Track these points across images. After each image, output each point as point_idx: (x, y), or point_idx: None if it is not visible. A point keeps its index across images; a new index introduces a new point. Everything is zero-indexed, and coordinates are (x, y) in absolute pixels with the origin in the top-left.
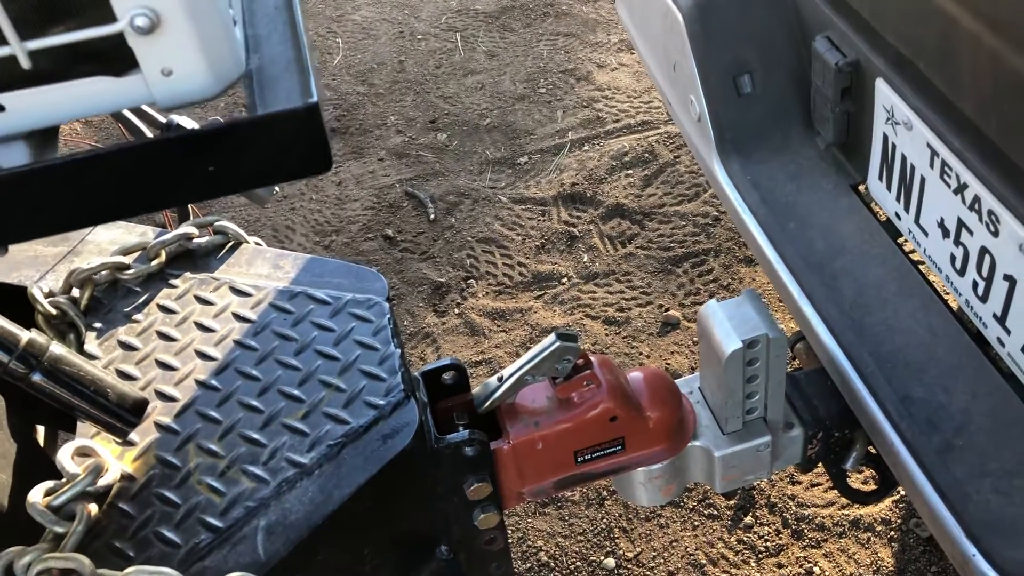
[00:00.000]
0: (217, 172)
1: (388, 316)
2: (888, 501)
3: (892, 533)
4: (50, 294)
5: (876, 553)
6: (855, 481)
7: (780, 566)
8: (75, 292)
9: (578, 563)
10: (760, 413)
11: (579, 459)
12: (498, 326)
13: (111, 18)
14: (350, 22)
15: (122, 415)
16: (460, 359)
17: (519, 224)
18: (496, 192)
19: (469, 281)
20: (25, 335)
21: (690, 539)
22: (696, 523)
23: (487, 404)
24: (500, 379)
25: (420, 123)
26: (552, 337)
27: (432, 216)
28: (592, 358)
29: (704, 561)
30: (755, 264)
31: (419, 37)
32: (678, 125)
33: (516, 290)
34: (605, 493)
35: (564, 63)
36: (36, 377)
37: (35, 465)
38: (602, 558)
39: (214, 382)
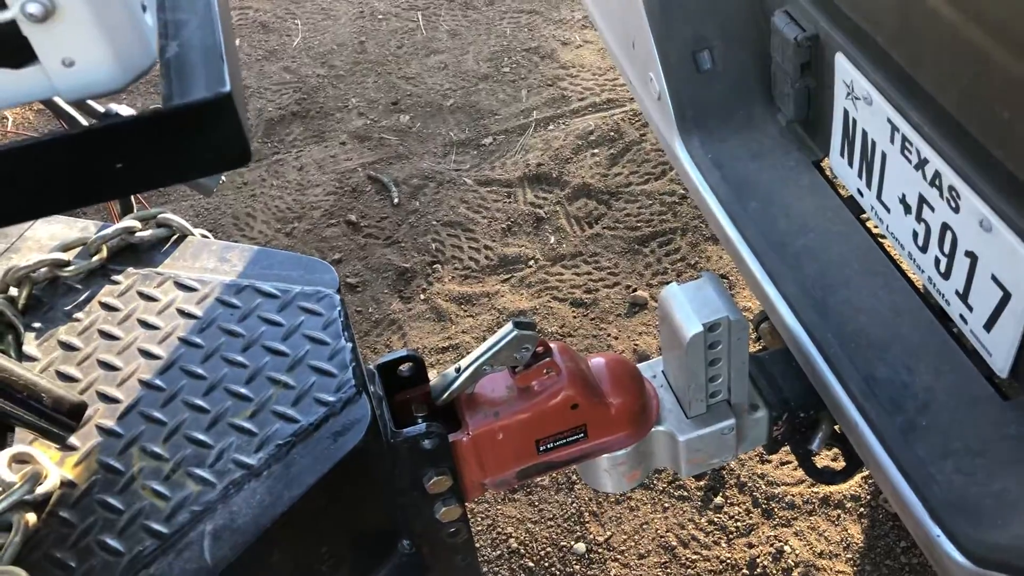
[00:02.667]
0: (126, 169)
1: (339, 309)
2: (858, 477)
3: (861, 509)
4: None
5: (846, 530)
6: (823, 459)
7: (751, 546)
8: (12, 291)
9: (548, 549)
10: (724, 396)
11: (541, 448)
12: (465, 311)
13: (1, 6)
14: (309, 3)
15: (59, 420)
16: (426, 346)
17: (485, 207)
18: (461, 174)
19: (435, 266)
20: None
21: (660, 521)
22: (666, 505)
23: (445, 396)
24: (458, 370)
25: (382, 105)
26: (509, 326)
27: (396, 200)
28: (552, 345)
29: (675, 543)
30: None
31: (380, 17)
32: (639, 103)
33: (483, 274)
34: (575, 478)
35: (528, 41)
36: None
37: None
38: (572, 543)
39: (158, 382)
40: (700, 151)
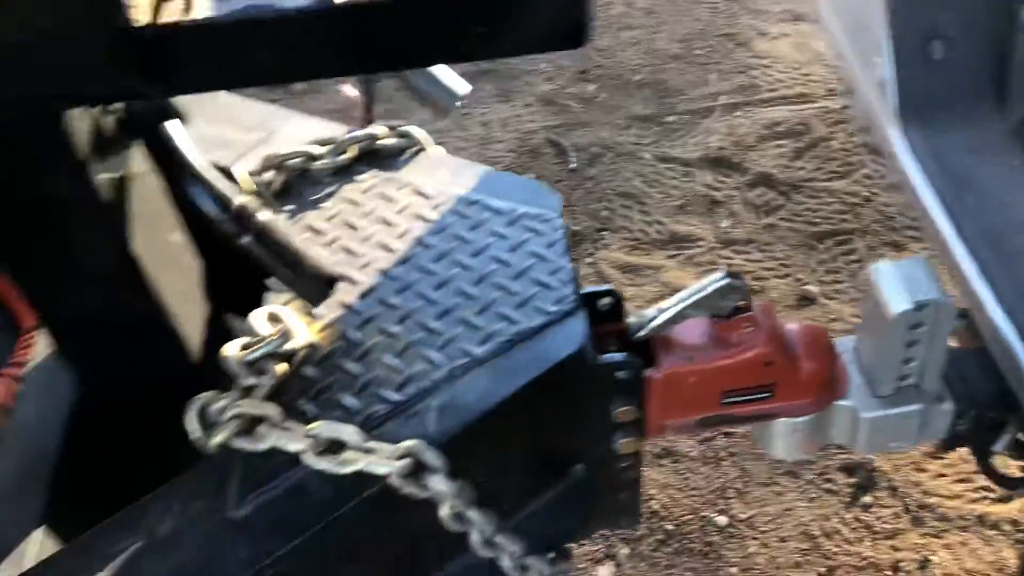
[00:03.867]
0: (486, 33)
1: (561, 231)
2: (1020, 502)
3: (1020, 535)
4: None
5: (1000, 552)
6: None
7: (896, 549)
8: (267, 176)
9: (689, 516)
10: (914, 381)
11: (726, 400)
12: (629, 280)
13: None
14: None
15: (316, 286)
16: None
17: (660, 182)
18: (640, 148)
19: (603, 233)
20: (239, 199)
21: (805, 510)
22: (813, 495)
23: (644, 331)
24: (660, 309)
25: (570, 72)
26: (721, 273)
27: (573, 165)
28: (754, 301)
29: (818, 532)
30: (903, 248)
31: None
32: (853, 86)
33: (651, 247)
34: (723, 454)
35: (724, 27)
36: (245, 239)
37: (222, 329)
38: (714, 515)
39: (395, 272)
40: (918, 140)
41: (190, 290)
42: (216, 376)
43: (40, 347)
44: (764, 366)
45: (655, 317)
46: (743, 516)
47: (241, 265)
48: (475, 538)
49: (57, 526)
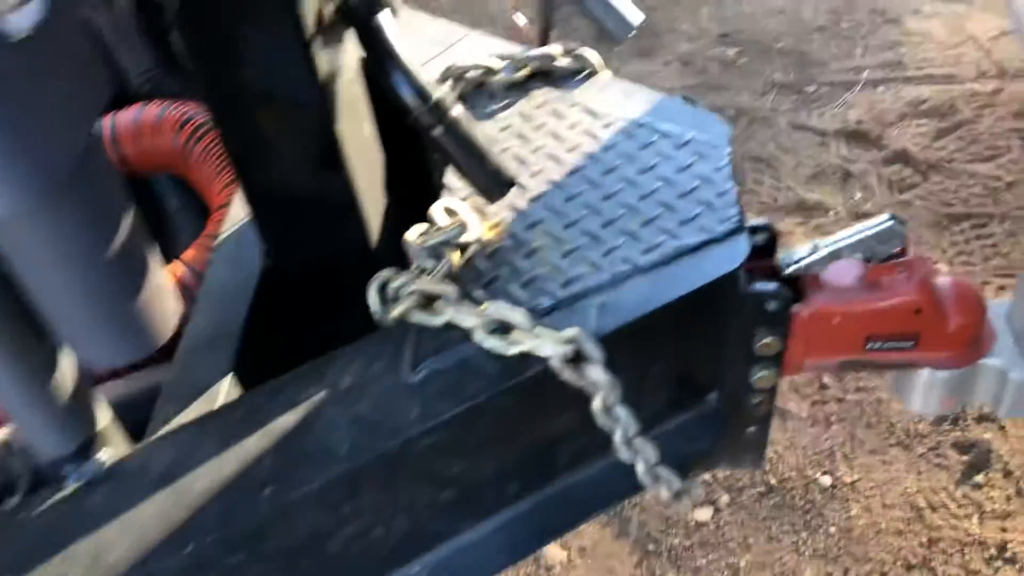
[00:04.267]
0: None
1: (728, 158)
2: None
3: None
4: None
5: None
6: None
7: (1004, 530)
8: (447, 85)
9: (792, 473)
10: None
11: (869, 345)
12: None
13: None
14: None
15: (495, 184)
16: None
17: (794, 150)
18: (776, 115)
19: None
20: (437, 92)
21: (913, 481)
22: (922, 469)
23: (796, 266)
24: (815, 247)
25: (711, 35)
26: (886, 216)
27: None
28: (910, 248)
29: (923, 504)
30: None
31: None
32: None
33: (779, 212)
34: (833, 418)
35: (874, 2)
36: (437, 131)
37: (398, 219)
38: (819, 475)
39: (563, 182)
40: None
41: (375, 180)
42: (391, 262)
43: (228, 224)
44: (912, 314)
45: (809, 254)
46: (848, 480)
47: (420, 161)
48: (618, 436)
49: (244, 377)
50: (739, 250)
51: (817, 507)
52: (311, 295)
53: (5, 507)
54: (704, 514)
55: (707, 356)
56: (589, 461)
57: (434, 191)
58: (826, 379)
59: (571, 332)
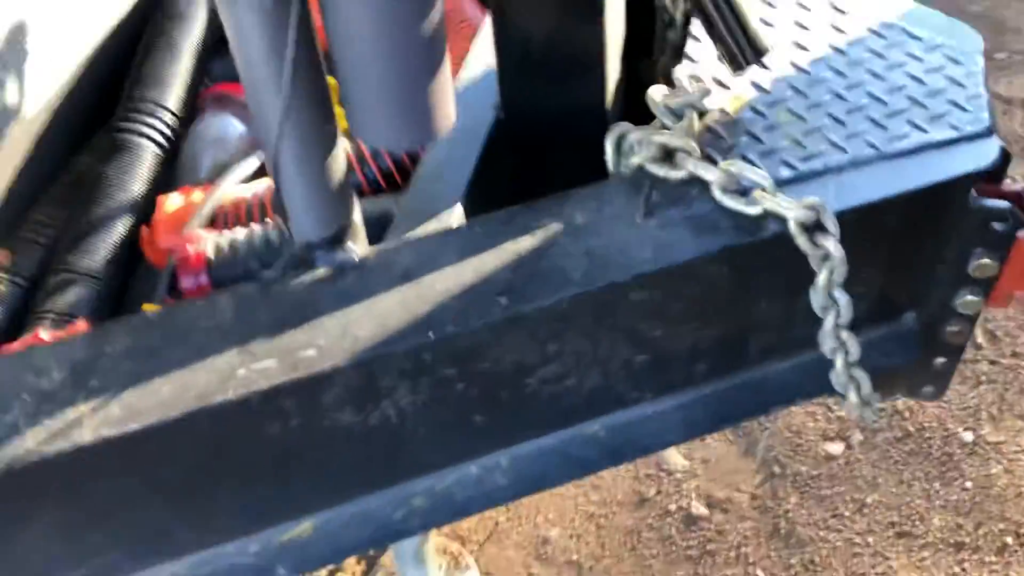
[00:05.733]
0: None
1: (981, 67)
2: None
3: None
4: None
5: None
6: None
7: None
8: None
9: (933, 424)
10: None
11: None
12: None
13: None
14: None
15: (749, 50)
16: None
17: None
18: None
19: None
20: None
21: None
22: None
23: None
24: None
25: None
26: None
27: None
28: None
29: None
30: None
31: None
32: None
33: None
34: (983, 378)
35: None
36: None
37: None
38: (960, 430)
39: (806, 67)
40: None
41: (618, 38)
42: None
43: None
44: None
45: None
46: (991, 439)
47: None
48: (829, 323)
49: (473, 214)
50: (988, 151)
51: (955, 461)
52: (539, 149)
53: (261, 279)
54: (836, 448)
55: (917, 269)
56: (778, 357)
57: (656, 57)
58: (981, 339)
59: (813, 199)
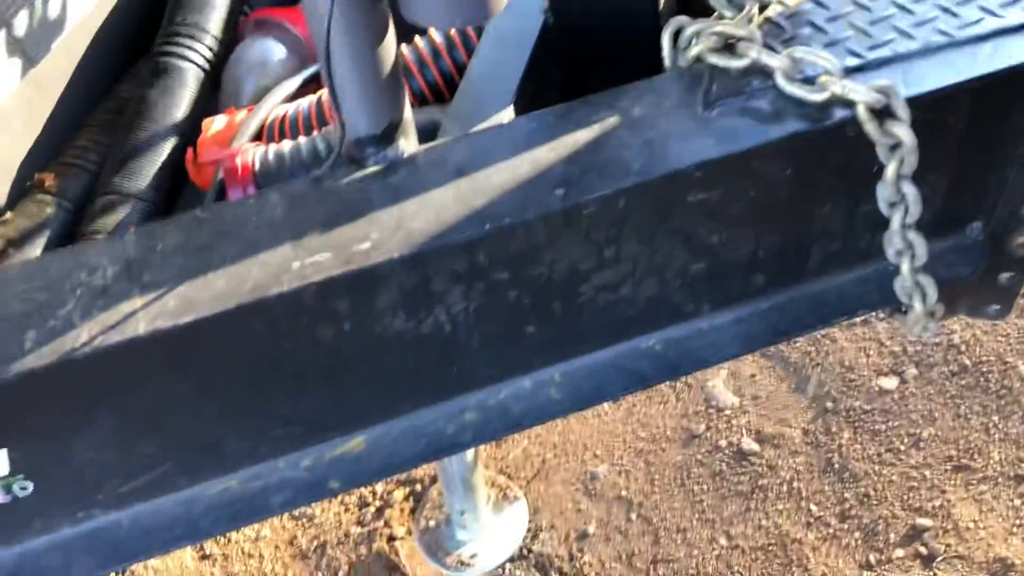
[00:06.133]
0: None
1: None
2: None
3: None
4: None
5: None
6: None
7: None
8: None
9: (991, 358)
10: None
11: None
12: None
13: None
14: None
15: None
16: None
17: None
18: None
19: None
20: None
21: None
22: None
23: None
24: None
25: None
26: None
27: None
28: None
29: None
30: None
31: None
32: None
33: None
34: None
35: None
36: None
37: None
38: (1020, 364)
39: None
40: None
41: None
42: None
43: None
44: None
45: None
46: None
47: None
48: (896, 221)
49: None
50: None
51: (1014, 394)
52: (589, 52)
53: (312, 175)
54: (890, 383)
55: (986, 172)
56: (839, 268)
57: None
58: None
59: (883, 83)
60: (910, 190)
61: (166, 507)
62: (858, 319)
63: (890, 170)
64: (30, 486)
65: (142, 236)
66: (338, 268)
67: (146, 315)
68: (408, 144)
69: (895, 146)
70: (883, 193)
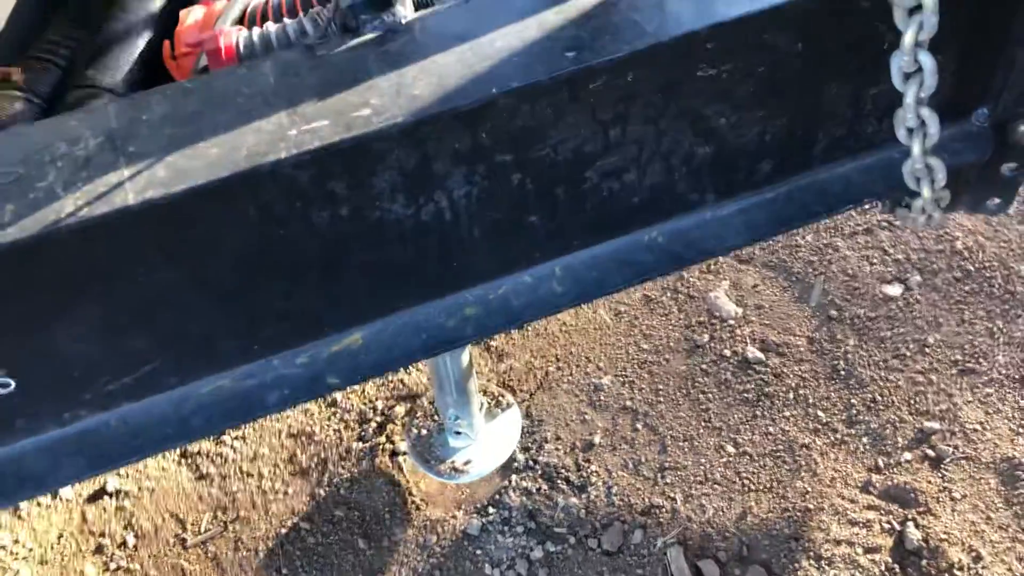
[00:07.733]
0: None
1: None
2: None
3: None
4: None
5: None
6: None
7: None
8: None
9: (994, 263)
10: None
11: None
12: None
13: None
14: None
15: None
16: None
17: None
18: None
19: None
20: None
21: None
22: None
23: None
24: None
25: None
26: None
27: None
28: None
29: None
30: None
31: None
32: None
33: None
34: None
35: None
36: None
37: None
38: (1022, 268)
39: None
40: None
41: None
42: None
43: None
44: None
45: None
46: None
47: None
48: (910, 96)
49: None
50: None
51: (1017, 298)
52: None
53: (305, 42)
54: (894, 290)
55: (994, 53)
56: (844, 156)
57: None
58: None
59: None
60: (927, 60)
61: (156, 406)
62: (861, 228)
63: (908, 36)
64: (12, 383)
65: (124, 107)
66: (338, 134)
67: (134, 185)
68: (405, 10)
69: (914, 9)
70: (898, 63)
